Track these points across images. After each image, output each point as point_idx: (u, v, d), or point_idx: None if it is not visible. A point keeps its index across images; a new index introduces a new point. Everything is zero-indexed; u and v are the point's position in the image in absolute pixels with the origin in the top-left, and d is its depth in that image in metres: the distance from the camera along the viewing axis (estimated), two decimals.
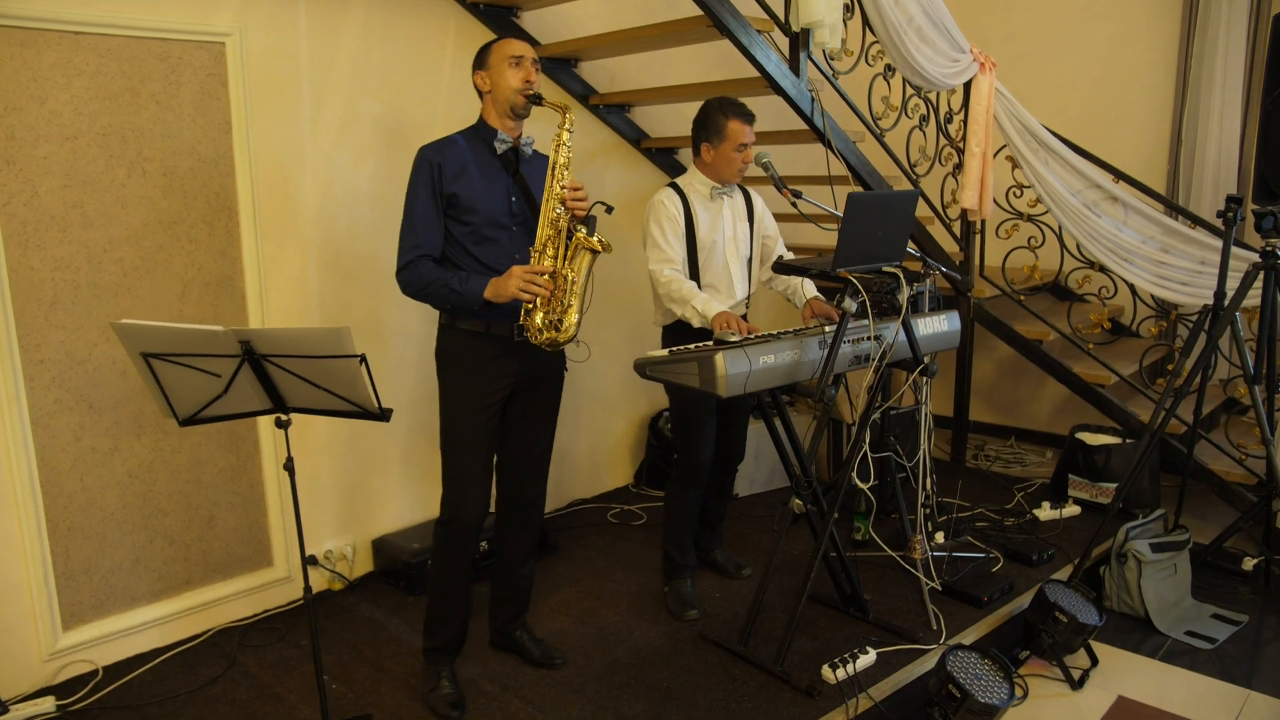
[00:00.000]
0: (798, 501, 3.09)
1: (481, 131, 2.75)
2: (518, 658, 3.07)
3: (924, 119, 4.28)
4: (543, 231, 2.62)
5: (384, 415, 2.20)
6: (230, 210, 3.18)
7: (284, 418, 2.25)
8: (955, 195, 4.50)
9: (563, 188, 2.60)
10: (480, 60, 2.75)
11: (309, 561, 3.52)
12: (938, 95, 4.33)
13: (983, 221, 4.58)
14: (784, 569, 3.54)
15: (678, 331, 3.24)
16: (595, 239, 2.60)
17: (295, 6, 3.23)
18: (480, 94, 2.76)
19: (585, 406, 4.50)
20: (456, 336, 2.75)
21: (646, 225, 3.25)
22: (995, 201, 4.52)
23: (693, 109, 4.35)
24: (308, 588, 2.35)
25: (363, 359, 2.06)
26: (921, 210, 4.37)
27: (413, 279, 2.66)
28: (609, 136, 4.36)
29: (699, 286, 3.26)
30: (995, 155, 4.44)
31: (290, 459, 2.27)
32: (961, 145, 4.45)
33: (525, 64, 2.69)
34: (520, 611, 3.09)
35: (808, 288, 3.35)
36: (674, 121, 4.48)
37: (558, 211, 2.61)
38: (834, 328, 2.82)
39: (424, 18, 3.59)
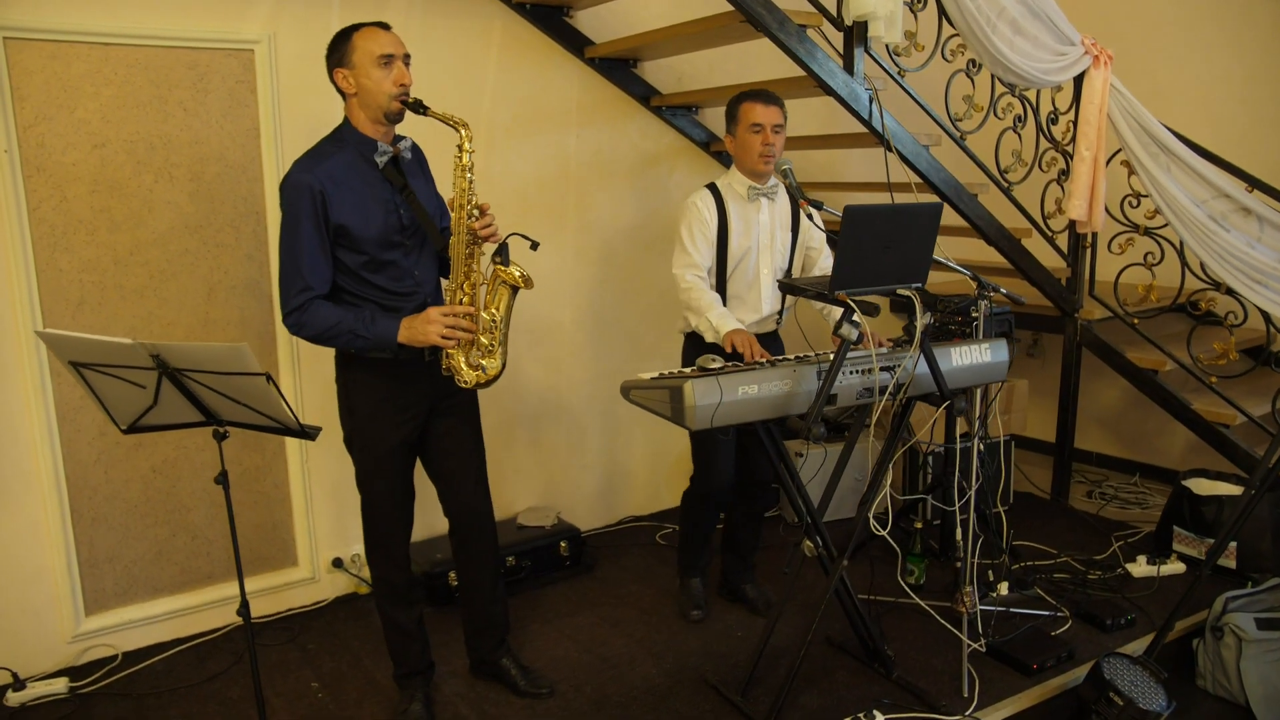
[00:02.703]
0: (809, 544, 2.82)
1: (355, 142, 2.43)
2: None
3: (1019, 119, 3.83)
4: (457, 269, 2.44)
5: (306, 433, 2.14)
6: (258, 215, 3.23)
7: (221, 430, 2.22)
8: (1060, 204, 4.02)
9: (471, 218, 2.41)
10: (338, 55, 2.40)
11: (335, 563, 3.57)
12: (1038, 93, 3.87)
13: (1094, 235, 4.07)
14: (814, 610, 3.25)
15: (697, 340, 3.09)
16: (515, 273, 2.43)
17: (328, 11, 3.24)
18: (343, 94, 2.45)
19: (645, 419, 4.30)
20: (362, 368, 2.52)
21: (677, 226, 3.12)
22: (1108, 212, 4.01)
23: None
24: (245, 609, 2.31)
25: (268, 377, 2.00)
26: (1016, 221, 3.94)
27: (307, 323, 2.39)
28: (675, 140, 4.16)
29: (724, 296, 3.08)
30: (1109, 160, 3.94)
31: (224, 473, 2.24)
32: (1069, 149, 3.97)
33: (397, 64, 2.37)
34: (500, 639, 2.94)
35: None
36: None
37: (469, 244, 2.44)
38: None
39: (466, 19, 3.52)
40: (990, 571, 3.44)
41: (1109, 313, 4.08)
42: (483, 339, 2.50)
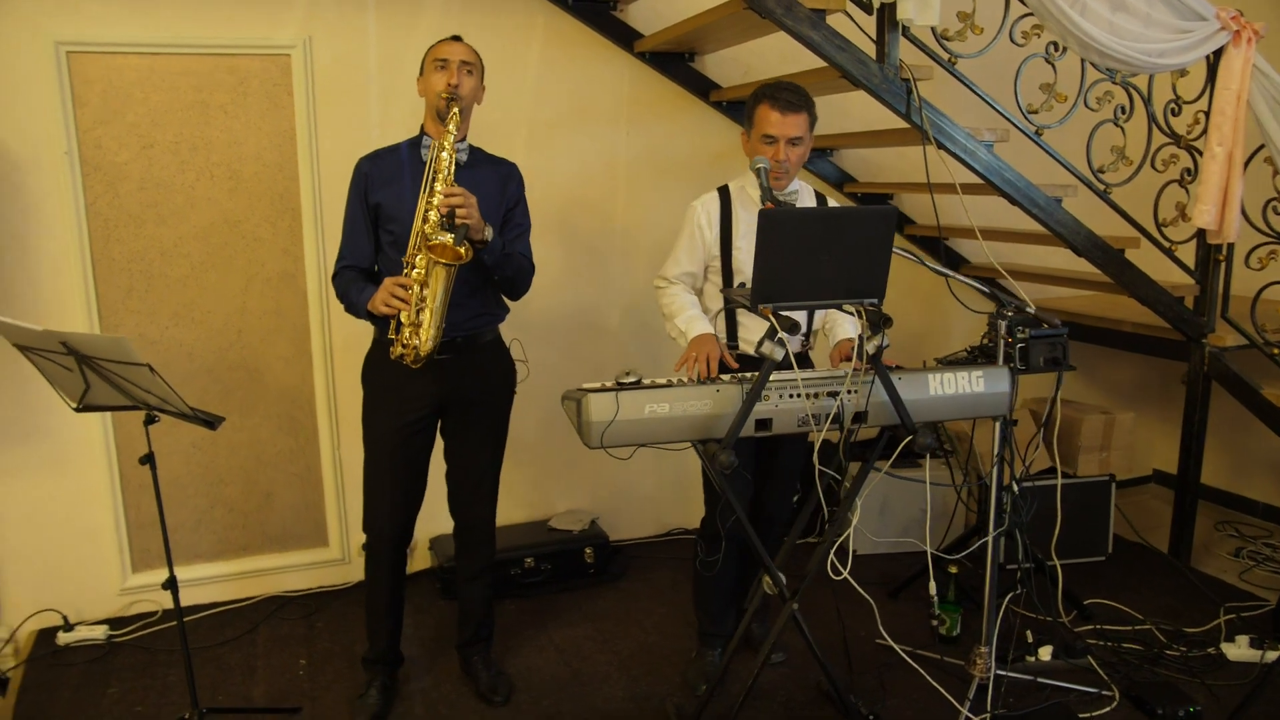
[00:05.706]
0: (768, 580, 2.58)
1: (419, 138, 2.67)
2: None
3: (1122, 110, 3.28)
4: (413, 241, 2.50)
5: (203, 421, 2.23)
6: (294, 211, 3.40)
7: (152, 414, 2.36)
8: (1184, 210, 3.41)
9: (444, 195, 2.43)
10: (421, 65, 2.65)
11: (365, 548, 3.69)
12: (1150, 79, 3.29)
13: (1229, 247, 3.41)
14: (818, 652, 2.96)
15: None
16: (459, 247, 2.40)
17: (364, 12, 3.35)
18: None
19: None
20: (378, 349, 2.70)
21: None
22: (1246, 218, 3.35)
23: (841, 100, 3.81)
24: (176, 598, 2.44)
25: (150, 368, 2.09)
26: (1120, 229, 3.40)
27: (336, 288, 2.69)
28: (740, 136, 3.92)
29: (734, 314, 2.84)
30: (1249, 160, 3.29)
31: (151, 454, 2.37)
32: (1196, 144, 3.36)
33: (450, 67, 2.55)
34: (476, 638, 2.95)
35: (845, 326, 2.76)
36: (825, 117, 3.92)
37: (430, 217, 2.47)
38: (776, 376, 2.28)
39: (508, 15, 3.51)
40: (1029, 631, 2.99)
41: (1244, 340, 3.42)
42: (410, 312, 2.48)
